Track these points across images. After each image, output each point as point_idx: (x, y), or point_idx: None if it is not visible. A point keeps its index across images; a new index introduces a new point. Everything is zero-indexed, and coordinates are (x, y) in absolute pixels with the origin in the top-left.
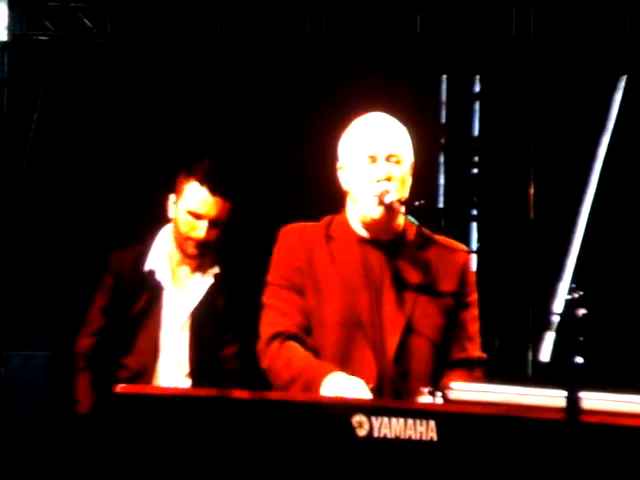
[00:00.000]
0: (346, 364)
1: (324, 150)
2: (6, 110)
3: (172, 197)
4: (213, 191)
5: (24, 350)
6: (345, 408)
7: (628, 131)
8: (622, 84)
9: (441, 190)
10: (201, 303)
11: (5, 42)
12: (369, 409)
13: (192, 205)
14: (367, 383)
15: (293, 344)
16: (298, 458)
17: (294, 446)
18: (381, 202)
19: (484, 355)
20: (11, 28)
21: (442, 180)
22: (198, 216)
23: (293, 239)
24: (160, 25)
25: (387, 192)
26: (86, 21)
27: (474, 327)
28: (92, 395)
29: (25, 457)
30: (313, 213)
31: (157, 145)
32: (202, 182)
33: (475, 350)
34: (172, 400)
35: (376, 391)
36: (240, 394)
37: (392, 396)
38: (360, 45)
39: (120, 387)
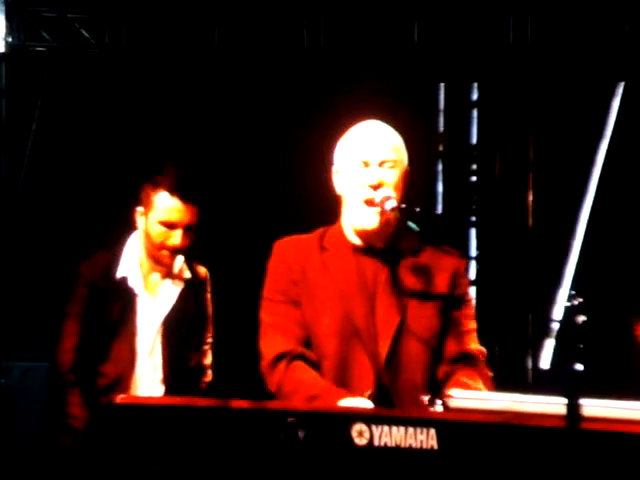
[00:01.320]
0: (344, 373)
1: (321, 158)
2: (4, 120)
3: (139, 209)
4: (184, 198)
5: (24, 361)
6: (345, 417)
7: (626, 137)
8: (620, 90)
9: (440, 198)
10: (173, 309)
11: (3, 53)
12: (369, 418)
13: (164, 215)
14: (364, 390)
15: (300, 366)
16: (299, 467)
17: (295, 455)
18: (382, 209)
19: (483, 349)
20: (9, 39)
21: (441, 188)
22: (172, 225)
23: (287, 252)
24: (158, 36)
25: (388, 198)
26: (83, 32)
27: (468, 323)
28: (85, 408)
29: (25, 467)
30: (296, 217)
31: (145, 159)
32: (172, 191)
33: (470, 344)
34: (170, 410)
35: (373, 398)
36: (239, 404)
37: (389, 401)
38: (358, 53)
39: (119, 398)
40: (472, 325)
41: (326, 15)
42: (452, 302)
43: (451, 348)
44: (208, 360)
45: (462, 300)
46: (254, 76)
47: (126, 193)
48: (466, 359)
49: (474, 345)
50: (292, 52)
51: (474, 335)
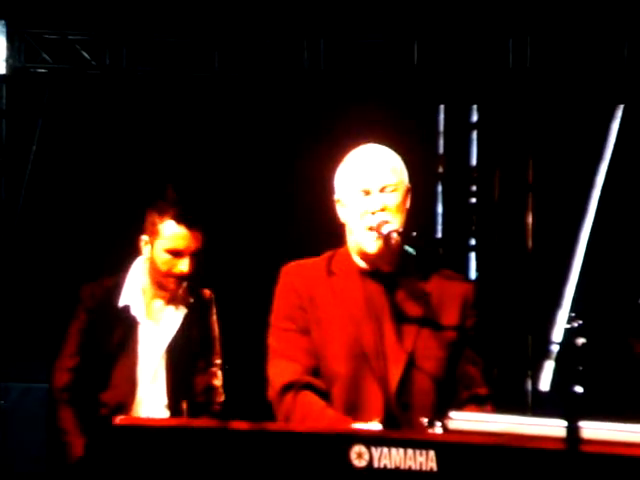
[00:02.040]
0: (354, 397)
1: (320, 180)
2: (4, 141)
3: (144, 237)
4: (190, 226)
5: (23, 382)
6: (345, 439)
7: (626, 159)
8: (619, 113)
9: (439, 220)
10: (177, 334)
11: (3, 74)
12: (369, 439)
13: (171, 244)
14: (374, 416)
15: (307, 396)
16: None
17: (294, 477)
18: (379, 233)
19: (489, 390)
20: (10, 61)
21: (440, 210)
22: (179, 253)
23: (294, 278)
24: (158, 57)
25: (385, 222)
26: (84, 53)
27: (479, 362)
28: (79, 426)
29: None
30: (303, 240)
31: (148, 182)
32: (178, 220)
33: (482, 386)
34: (170, 432)
35: (383, 423)
36: (239, 425)
37: (397, 428)
38: (358, 75)
39: (119, 419)
40: (480, 361)
41: (326, 37)
42: (463, 335)
43: (464, 394)
44: (218, 381)
45: (472, 333)
46: (254, 98)
47: (127, 216)
48: (476, 400)
49: (484, 388)
50: (292, 74)
51: (482, 371)
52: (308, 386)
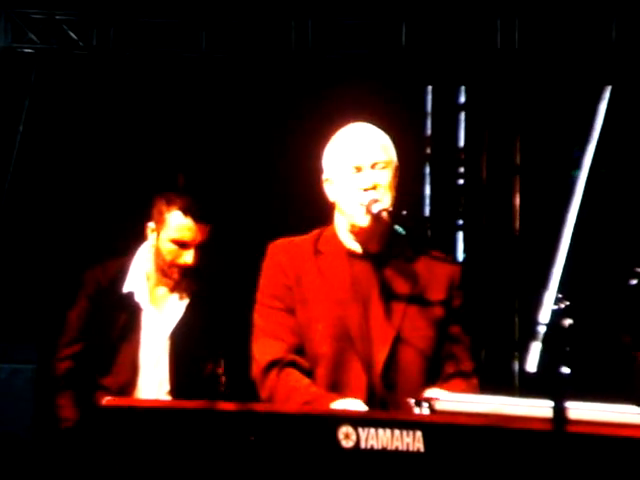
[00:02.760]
0: (337, 378)
1: (309, 161)
2: None
3: (151, 225)
4: (198, 218)
5: (10, 363)
6: (332, 419)
7: (613, 141)
8: (607, 94)
9: (427, 201)
10: (180, 322)
11: None
12: (356, 420)
13: (177, 234)
14: (357, 397)
15: (292, 373)
16: (285, 470)
17: (281, 458)
18: (369, 211)
19: (474, 365)
20: None
21: (428, 191)
22: (184, 244)
23: (281, 256)
24: (145, 38)
25: (375, 201)
26: (71, 33)
27: (464, 339)
28: (77, 413)
29: (12, 470)
30: (297, 226)
31: (136, 162)
32: (186, 211)
33: (467, 362)
34: (158, 412)
35: (366, 404)
36: (227, 406)
37: (382, 409)
38: (345, 56)
39: (106, 400)
40: (467, 341)
41: (314, 18)
42: (449, 315)
43: (450, 369)
44: (220, 369)
45: (459, 313)
46: (241, 78)
47: (114, 199)
48: (461, 375)
49: (469, 364)
50: (280, 55)
51: (469, 352)
52: (292, 364)
